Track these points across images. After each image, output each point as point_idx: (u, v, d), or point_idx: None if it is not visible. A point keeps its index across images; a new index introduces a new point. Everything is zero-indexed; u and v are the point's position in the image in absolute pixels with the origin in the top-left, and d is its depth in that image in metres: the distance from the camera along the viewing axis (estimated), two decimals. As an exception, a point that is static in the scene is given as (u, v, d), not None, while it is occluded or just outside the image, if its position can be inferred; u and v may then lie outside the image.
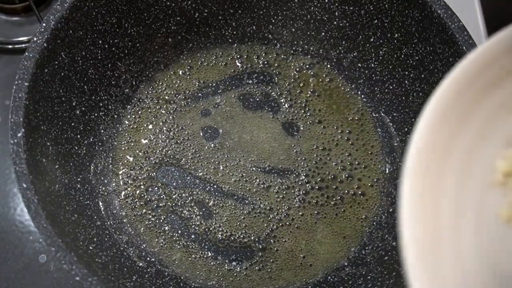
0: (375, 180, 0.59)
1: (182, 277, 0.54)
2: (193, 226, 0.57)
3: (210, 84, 0.64)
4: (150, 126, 0.61)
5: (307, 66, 0.65)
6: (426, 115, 0.32)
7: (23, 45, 0.68)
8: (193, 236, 0.56)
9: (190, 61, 0.65)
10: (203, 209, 0.58)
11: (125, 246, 0.54)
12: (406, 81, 0.58)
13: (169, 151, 0.60)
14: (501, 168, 0.34)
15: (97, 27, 0.55)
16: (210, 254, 0.56)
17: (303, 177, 0.59)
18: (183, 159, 0.60)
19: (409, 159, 0.31)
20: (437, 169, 0.32)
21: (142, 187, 0.58)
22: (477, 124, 0.34)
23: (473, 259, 0.32)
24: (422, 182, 0.31)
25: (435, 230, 0.31)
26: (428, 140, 0.32)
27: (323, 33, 0.63)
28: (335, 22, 0.61)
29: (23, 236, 0.59)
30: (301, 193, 0.58)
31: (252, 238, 0.56)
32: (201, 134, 0.61)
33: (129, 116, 0.61)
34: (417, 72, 0.57)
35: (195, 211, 0.57)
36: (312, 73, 0.64)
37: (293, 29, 0.64)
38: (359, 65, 0.62)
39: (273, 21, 0.64)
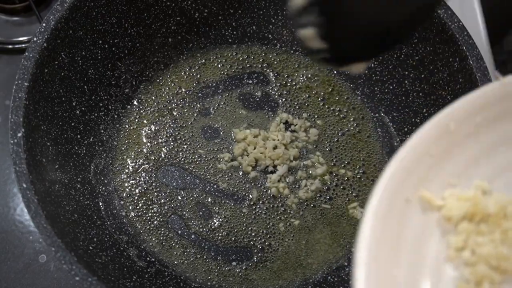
0: (375, 179, 0.59)
1: (182, 277, 0.54)
2: (193, 226, 0.57)
3: (210, 84, 0.64)
4: (150, 126, 0.61)
5: (307, 66, 0.65)
6: (373, 203, 0.33)
7: (23, 45, 0.68)
8: (193, 236, 0.56)
9: (190, 61, 0.65)
10: (203, 209, 0.58)
11: (125, 246, 0.54)
12: (406, 81, 0.58)
13: (169, 151, 0.60)
14: (454, 244, 0.35)
15: (97, 27, 0.55)
16: (210, 254, 0.56)
17: (303, 176, 0.59)
18: (183, 159, 0.60)
19: (360, 247, 0.32)
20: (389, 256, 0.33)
21: (142, 187, 0.58)
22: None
23: None
24: (376, 268, 0.32)
25: None
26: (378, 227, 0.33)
27: (323, 33, 0.63)
28: (335, 22, 0.61)
29: (23, 236, 0.59)
30: (301, 192, 0.58)
31: (252, 238, 0.56)
32: (201, 134, 0.61)
33: (129, 116, 0.61)
34: (417, 72, 0.57)
35: (195, 211, 0.57)
36: (312, 73, 0.64)
37: (293, 29, 0.64)
38: (359, 65, 0.62)
39: (273, 21, 0.64)
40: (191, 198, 0.58)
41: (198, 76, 0.64)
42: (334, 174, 0.59)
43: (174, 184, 0.59)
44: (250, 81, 0.64)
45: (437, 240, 0.35)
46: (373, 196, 0.34)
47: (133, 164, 0.59)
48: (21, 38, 0.68)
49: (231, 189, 0.58)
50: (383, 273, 0.32)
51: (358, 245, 0.32)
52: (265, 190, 0.58)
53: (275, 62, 0.65)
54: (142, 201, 0.58)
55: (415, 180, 0.35)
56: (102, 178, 0.58)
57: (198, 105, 0.63)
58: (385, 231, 0.33)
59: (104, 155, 0.59)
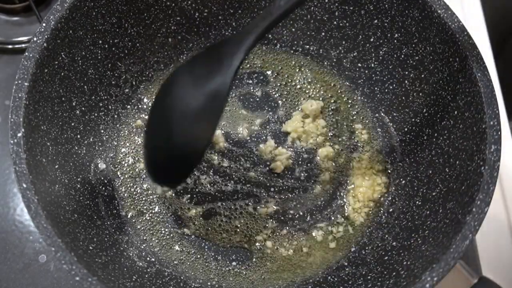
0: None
1: (182, 277, 0.54)
2: (193, 226, 0.57)
3: (210, 84, 0.64)
4: (150, 126, 0.61)
5: (307, 66, 0.65)
6: None
7: (23, 45, 0.68)
8: (193, 236, 0.56)
9: (190, 61, 0.64)
10: (204, 209, 0.58)
11: (125, 246, 0.54)
12: (406, 81, 0.58)
13: (169, 151, 0.60)
14: None
15: (97, 27, 0.55)
16: (210, 254, 0.56)
17: (303, 177, 0.59)
18: (183, 159, 0.60)
19: None
20: None
21: (142, 187, 0.58)
22: None
23: None
24: None
25: None
26: None
27: (323, 33, 0.63)
28: (335, 22, 0.61)
29: (23, 236, 0.59)
30: (301, 192, 0.58)
31: (252, 238, 0.56)
32: (201, 134, 0.61)
33: (129, 116, 0.61)
34: (417, 72, 0.57)
35: (196, 211, 0.57)
36: (311, 73, 0.64)
37: (293, 29, 0.64)
38: (359, 65, 0.62)
39: (273, 21, 0.64)
40: (191, 198, 0.58)
41: (198, 76, 0.64)
42: (335, 173, 0.59)
43: (174, 184, 0.59)
44: (250, 81, 0.64)
45: None
46: None
47: (133, 164, 0.59)
48: (21, 38, 0.68)
49: (231, 189, 0.58)
50: None
51: None
52: (266, 190, 0.58)
53: (275, 62, 0.65)
54: (142, 201, 0.58)
55: None
56: (102, 178, 0.58)
57: (198, 105, 0.63)
58: None
59: (104, 155, 0.59)
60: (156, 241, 0.56)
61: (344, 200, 0.58)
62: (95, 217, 0.54)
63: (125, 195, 0.58)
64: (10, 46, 0.68)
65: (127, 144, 0.60)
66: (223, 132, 0.61)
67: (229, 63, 0.44)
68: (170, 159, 0.48)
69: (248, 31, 0.44)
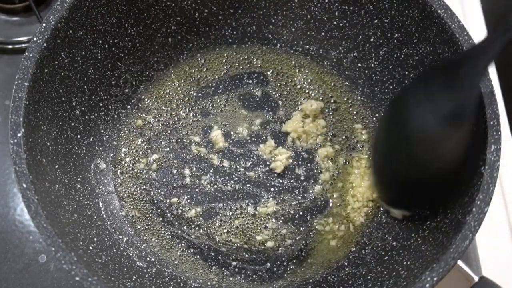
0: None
1: (182, 277, 0.54)
2: (193, 226, 0.57)
3: (210, 84, 0.64)
4: (150, 126, 0.61)
5: (307, 67, 0.65)
6: None
7: (23, 45, 0.68)
8: (193, 236, 0.56)
9: (190, 61, 0.65)
10: (204, 209, 0.58)
11: (125, 246, 0.54)
12: (406, 81, 0.58)
13: (169, 152, 0.60)
14: None
15: (97, 27, 0.55)
16: (210, 254, 0.56)
17: (303, 177, 0.59)
18: (183, 160, 0.60)
19: None
20: None
21: (142, 187, 0.58)
22: None
23: None
24: None
25: None
26: None
27: (323, 33, 0.63)
28: (335, 22, 0.61)
29: (23, 236, 0.59)
30: (301, 192, 0.58)
31: (252, 238, 0.56)
32: (201, 134, 0.61)
33: (129, 116, 0.61)
34: (417, 72, 0.57)
35: (196, 211, 0.57)
36: (311, 73, 0.64)
37: (293, 29, 0.64)
38: (359, 65, 0.62)
39: (273, 21, 0.64)
40: (191, 198, 0.58)
41: (198, 76, 0.64)
42: (335, 174, 0.59)
43: (174, 184, 0.59)
44: (250, 81, 0.64)
45: None
46: None
47: (133, 164, 0.59)
48: (21, 38, 0.68)
49: (231, 189, 0.58)
50: None
51: None
52: (266, 191, 0.58)
53: (275, 62, 0.65)
54: (142, 201, 0.58)
55: None
56: (102, 178, 0.58)
57: (198, 105, 0.63)
58: None
59: (104, 155, 0.59)
60: (156, 241, 0.56)
61: (344, 200, 0.58)
62: (95, 217, 0.54)
63: (125, 195, 0.58)
64: (10, 46, 0.68)
65: (127, 144, 0.60)
66: (223, 132, 0.61)
67: (471, 83, 0.42)
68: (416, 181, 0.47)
69: (485, 47, 0.42)
